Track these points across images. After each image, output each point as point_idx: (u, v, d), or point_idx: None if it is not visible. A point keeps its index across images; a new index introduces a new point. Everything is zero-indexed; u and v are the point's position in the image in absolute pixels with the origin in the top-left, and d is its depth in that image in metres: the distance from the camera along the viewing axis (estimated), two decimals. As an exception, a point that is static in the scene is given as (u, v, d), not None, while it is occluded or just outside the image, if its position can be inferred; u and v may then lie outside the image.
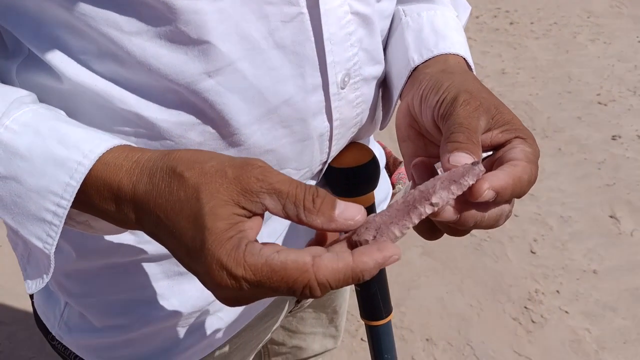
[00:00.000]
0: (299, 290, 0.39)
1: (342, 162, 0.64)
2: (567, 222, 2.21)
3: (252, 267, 0.39)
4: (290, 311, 0.88)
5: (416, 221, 0.41)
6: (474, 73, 0.60)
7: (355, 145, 0.66)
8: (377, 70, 0.63)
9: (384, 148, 0.88)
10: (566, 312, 1.89)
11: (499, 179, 0.43)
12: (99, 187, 0.45)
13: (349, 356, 1.81)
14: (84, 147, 0.45)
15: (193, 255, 0.41)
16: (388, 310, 0.72)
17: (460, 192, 0.41)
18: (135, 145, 0.48)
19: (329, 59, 0.56)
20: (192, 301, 0.66)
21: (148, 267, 0.64)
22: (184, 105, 0.52)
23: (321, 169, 0.65)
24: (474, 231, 0.48)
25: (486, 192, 0.42)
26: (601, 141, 2.58)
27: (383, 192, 0.84)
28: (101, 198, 0.45)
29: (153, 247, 0.62)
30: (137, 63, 0.49)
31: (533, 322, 1.86)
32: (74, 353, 0.71)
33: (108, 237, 0.60)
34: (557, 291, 1.95)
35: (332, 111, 0.59)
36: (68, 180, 0.44)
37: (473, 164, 0.42)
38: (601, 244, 2.11)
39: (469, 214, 0.44)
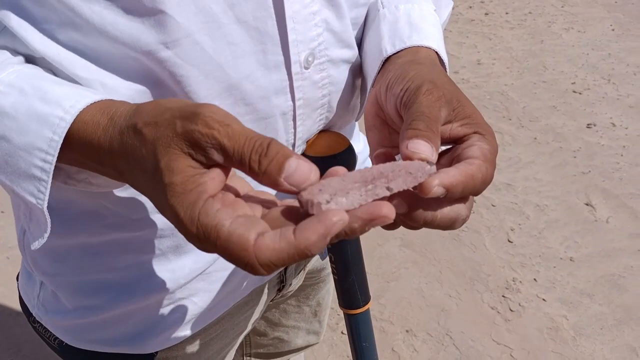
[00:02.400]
0: (241, 265, 0.38)
1: (317, 151, 0.63)
2: (544, 210, 2.22)
3: (203, 228, 0.38)
4: (272, 300, 0.87)
5: (369, 200, 0.40)
6: (447, 67, 0.60)
7: (331, 134, 0.64)
8: (347, 54, 0.62)
9: None
10: (543, 299, 1.90)
11: (449, 175, 0.42)
12: (80, 145, 0.46)
13: (329, 350, 1.80)
14: (64, 103, 0.46)
15: (161, 208, 0.41)
16: (366, 299, 0.71)
17: (411, 186, 0.41)
18: (117, 99, 0.48)
19: (291, 37, 0.55)
20: (164, 284, 0.65)
21: (118, 248, 0.63)
22: (145, 75, 0.52)
23: None
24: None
25: (435, 188, 0.41)
26: (576, 129, 2.61)
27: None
28: (84, 156, 0.46)
29: (122, 228, 0.61)
30: (96, 31, 0.49)
31: (511, 310, 1.87)
32: (54, 335, 0.71)
33: (77, 216, 0.61)
34: (535, 279, 1.97)
35: (295, 90, 0.59)
36: (51, 136, 0.45)
37: (428, 162, 0.42)
38: (577, 231, 2.13)
39: (418, 210, 0.43)
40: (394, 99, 0.50)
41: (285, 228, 0.38)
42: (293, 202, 0.42)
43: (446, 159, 0.48)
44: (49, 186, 0.47)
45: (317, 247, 0.37)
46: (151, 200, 0.43)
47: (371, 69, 0.61)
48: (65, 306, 0.68)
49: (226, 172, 0.41)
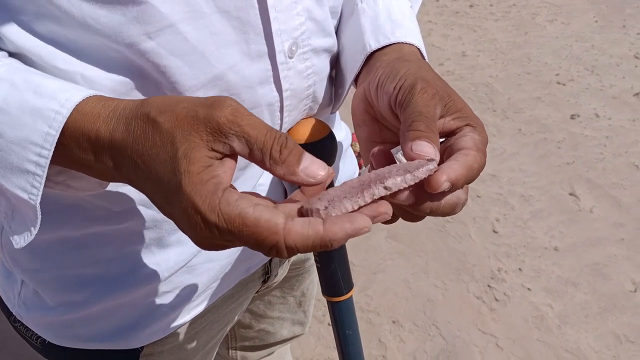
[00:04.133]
0: (267, 249, 0.40)
1: (298, 138, 0.62)
2: (528, 201, 2.24)
3: (225, 216, 0.39)
4: (257, 292, 0.87)
5: (368, 200, 0.42)
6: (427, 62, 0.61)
7: (312, 121, 0.64)
8: (328, 42, 0.63)
9: (353, 134, 0.88)
10: (528, 289, 1.91)
11: (454, 170, 0.45)
12: (77, 137, 0.45)
13: (316, 341, 1.80)
14: (60, 96, 0.45)
15: (170, 199, 0.41)
16: (349, 287, 0.71)
17: (412, 183, 0.43)
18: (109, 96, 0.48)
19: (274, 26, 0.55)
20: (148, 277, 0.65)
21: (100, 241, 0.63)
22: (127, 66, 0.51)
23: None
24: (438, 213, 0.50)
25: (444, 184, 0.43)
26: (560, 120, 2.62)
27: (349, 171, 0.83)
28: (80, 148, 0.45)
29: (107, 220, 0.61)
30: (75, 23, 0.48)
31: (497, 300, 1.89)
32: (35, 334, 0.70)
33: (59, 210, 0.60)
34: (520, 269, 1.98)
35: (282, 81, 0.59)
36: (47, 130, 0.45)
37: (429, 160, 0.44)
38: (562, 221, 2.15)
39: (424, 198, 0.46)
40: (387, 97, 0.52)
41: (313, 219, 0.40)
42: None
43: (440, 153, 0.49)
44: (43, 181, 0.46)
45: (340, 243, 0.40)
46: (151, 192, 0.43)
47: (352, 64, 0.61)
48: (47, 303, 0.67)
49: (235, 164, 0.43)
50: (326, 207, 0.41)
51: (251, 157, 0.42)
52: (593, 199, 2.23)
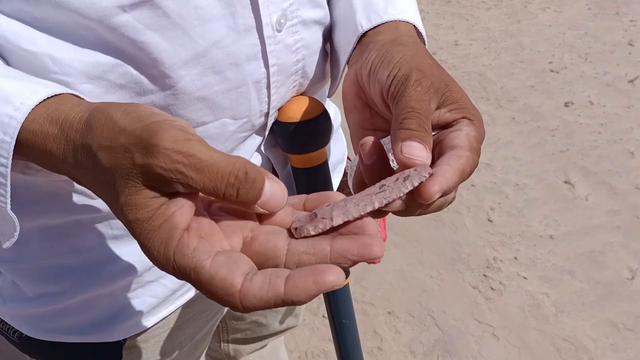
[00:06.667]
0: (225, 306, 0.37)
1: (290, 116, 0.59)
2: (523, 189, 2.22)
3: (180, 269, 0.36)
4: None
5: (362, 213, 0.40)
6: (425, 40, 0.58)
7: (304, 98, 0.61)
8: (318, 14, 0.59)
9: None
10: (524, 277, 1.89)
11: (447, 179, 0.42)
12: (32, 154, 0.42)
13: (311, 334, 1.78)
14: (15, 100, 0.41)
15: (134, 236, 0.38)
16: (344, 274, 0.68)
17: (406, 192, 0.41)
18: (70, 93, 0.44)
19: None
20: (130, 267, 0.62)
21: (81, 230, 0.60)
22: (100, 44, 0.48)
23: (265, 123, 0.60)
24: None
25: (436, 195, 0.41)
26: (554, 108, 2.60)
27: (339, 152, 0.79)
28: (40, 162, 0.43)
29: (85, 208, 0.58)
30: None
31: (492, 289, 1.86)
32: (12, 328, 0.67)
33: (36, 199, 0.57)
34: (515, 258, 1.96)
35: (268, 56, 0.55)
36: (2, 137, 0.41)
37: (424, 168, 0.42)
38: (557, 209, 2.13)
39: (415, 206, 0.43)
40: (379, 85, 0.48)
41: (275, 274, 0.36)
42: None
43: (432, 144, 0.46)
44: (8, 189, 0.42)
45: (305, 302, 0.36)
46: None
47: (345, 45, 0.58)
48: (25, 294, 0.64)
49: (195, 195, 0.38)
50: (316, 227, 0.38)
51: (202, 195, 0.38)
52: (588, 186, 2.21)
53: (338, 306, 0.71)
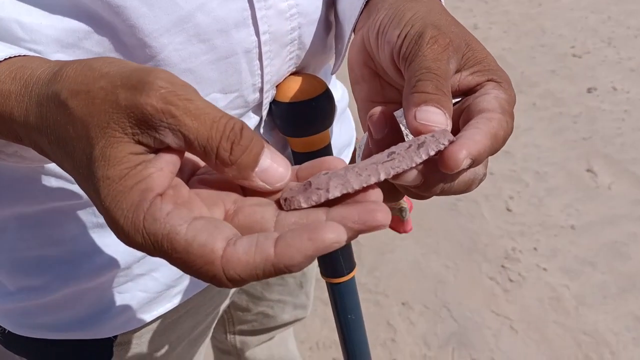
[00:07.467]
0: (206, 280, 0.31)
1: (290, 95, 0.54)
2: (543, 177, 2.15)
3: (152, 237, 0.30)
4: None
5: (364, 184, 0.33)
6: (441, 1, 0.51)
7: (304, 76, 0.56)
8: None
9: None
10: (544, 269, 1.83)
11: (476, 142, 0.35)
12: None
13: (322, 324, 1.74)
14: None
15: (98, 208, 0.33)
16: (350, 266, 0.63)
17: (421, 161, 0.35)
18: (34, 55, 0.39)
19: None
20: (117, 258, 0.57)
21: (61, 218, 0.55)
22: (73, 10, 0.43)
23: (260, 101, 0.55)
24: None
25: (464, 162, 0.34)
26: (576, 94, 2.53)
27: (347, 135, 0.74)
28: (1, 130, 0.38)
29: (65, 194, 0.53)
30: None
31: (511, 280, 1.81)
32: None
33: (9, 184, 0.52)
34: (535, 248, 1.90)
35: (259, 22, 0.50)
36: None
37: (443, 133, 0.35)
38: (578, 198, 2.06)
39: (436, 179, 0.36)
40: (389, 47, 0.41)
41: (263, 236, 0.30)
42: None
43: (454, 114, 0.39)
44: None
45: (299, 267, 0.30)
46: (87, 193, 0.34)
47: (350, 10, 0.51)
48: (6, 288, 0.60)
49: (179, 156, 0.33)
50: (309, 198, 0.33)
51: (192, 152, 0.32)
52: (611, 175, 2.14)
53: (343, 300, 0.67)
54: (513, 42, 2.90)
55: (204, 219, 0.31)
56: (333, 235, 0.29)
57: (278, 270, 0.30)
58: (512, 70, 2.70)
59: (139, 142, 0.31)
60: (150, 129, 0.31)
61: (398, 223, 0.84)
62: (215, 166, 0.32)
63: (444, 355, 1.63)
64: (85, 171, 0.32)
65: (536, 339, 1.64)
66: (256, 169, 0.32)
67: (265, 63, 0.52)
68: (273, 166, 0.33)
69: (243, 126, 0.32)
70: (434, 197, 0.40)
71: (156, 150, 0.32)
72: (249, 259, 0.29)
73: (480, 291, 1.79)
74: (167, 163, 0.32)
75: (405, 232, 0.84)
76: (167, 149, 0.32)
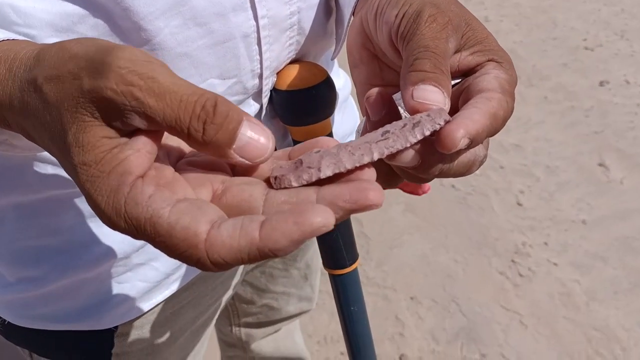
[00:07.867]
0: (190, 264, 0.30)
1: (290, 83, 0.53)
2: (554, 172, 2.13)
3: (134, 221, 0.29)
4: None
5: (356, 164, 0.32)
6: None
7: (305, 64, 0.55)
8: None
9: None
10: (555, 264, 1.82)
11: (475, 121, 0.34)
12: None
13: (330, 318, 1.73)
14: None
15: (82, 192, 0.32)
16: (353, 257, 0.62)
17: (415, 140, 0.34)
18: (23, 39, 0.38)
19: None
20: (116, 247, 0.57)
21: (57, 207, 0.55)
22: None
23: (260, 88, 0.54)
24: (457, 184, 0.38)
25: (462, 141, 0.33)
26: (588, 87, 2.50)
27: (350, 124, 0.73)
28: None
29: (60, 182, 0.52)
30: None
31: (520, 275, 1.79)
32: None
33: (4, 171, 0.52)
34: (545, 243, 1.88)
35: (257, 5, 0.49)
36: None
37: (439, 113, 0.34)
38: (590, 193, 2.04)
39: (434, 160, 0.35)
40: (387, 27, 0.40)
41: (248, 219, 0.29)
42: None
43: (453, 96, 0.38)
44: None
45: (287, 251, 0.29)
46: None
47: None
48: (5, 279, 0.59)
49: (157, 135, 0.31)
50: (300, 177, 0.31)
51: (165, 131, 0.31)
52: (623, 169, 2.11)
53: (346, 292, 0.66)
54: (524, 35, 2.87)
55: (187, 200, 0.30)
56: (320, 219, 0.28)
57: (263, 254, 0.29)
58: (524, 64, 2.68)
59: (111, 126, 0.30)
60: (116, 113, 0.30)
61: (415, 185, 0.81)
62: (192, 146, 0.31)
63: (453, 350, 1.61)
64: (63, 158, 0.31)
65: (546, 335, 1.63)
66: (233, 146, 0.31)
67: (264, 48, 0.51)
68: (251, 142, 0.31)
69: (217, 102, 0.30)
70: (443, 191, 0.39)
71: (132, 132, 0.31)
72: (233, 243, 0.28)
73: (489, 286, 1.78)
74: (145, 143, 0.31)
75: (424, 192, 0.81)
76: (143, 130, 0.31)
